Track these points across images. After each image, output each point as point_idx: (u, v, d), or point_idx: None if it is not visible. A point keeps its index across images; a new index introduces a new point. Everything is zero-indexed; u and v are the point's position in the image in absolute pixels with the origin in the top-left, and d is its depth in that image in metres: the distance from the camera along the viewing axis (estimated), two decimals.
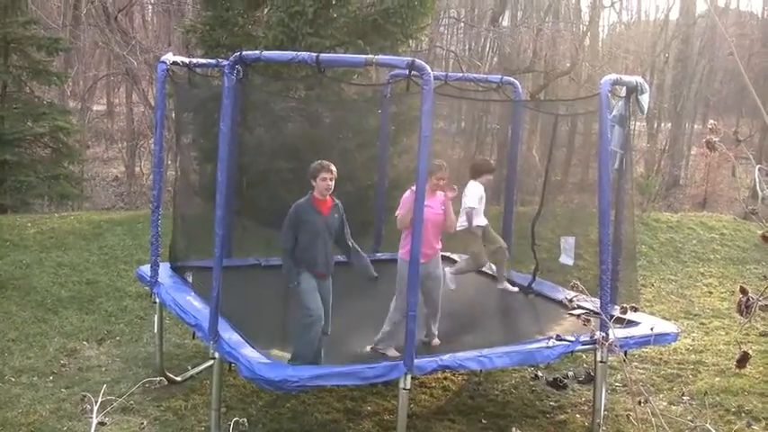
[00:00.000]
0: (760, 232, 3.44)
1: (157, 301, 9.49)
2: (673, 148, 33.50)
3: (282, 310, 8.33)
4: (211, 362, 8.03)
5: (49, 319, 11.49)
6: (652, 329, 8.66)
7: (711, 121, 4.10)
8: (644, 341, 8.73)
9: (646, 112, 9.06)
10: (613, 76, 8.44)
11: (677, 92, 33.30)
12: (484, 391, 9.87)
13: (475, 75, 13.29)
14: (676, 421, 8.24)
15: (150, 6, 32.46)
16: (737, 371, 10.01)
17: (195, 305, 8.70)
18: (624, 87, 8.79)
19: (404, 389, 7.21)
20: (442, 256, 9.42)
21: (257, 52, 7.69)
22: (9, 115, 19.51)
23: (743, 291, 3.78)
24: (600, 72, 24.74)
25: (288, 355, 7.71)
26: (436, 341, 8.74)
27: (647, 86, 8.85)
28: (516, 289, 10.53)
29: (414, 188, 8.38)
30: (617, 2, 33.99)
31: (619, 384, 10.13)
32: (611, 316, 7.17)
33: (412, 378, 7.33)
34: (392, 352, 8.20)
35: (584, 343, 8.24)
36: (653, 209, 22.89)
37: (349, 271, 11.45)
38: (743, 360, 3.79)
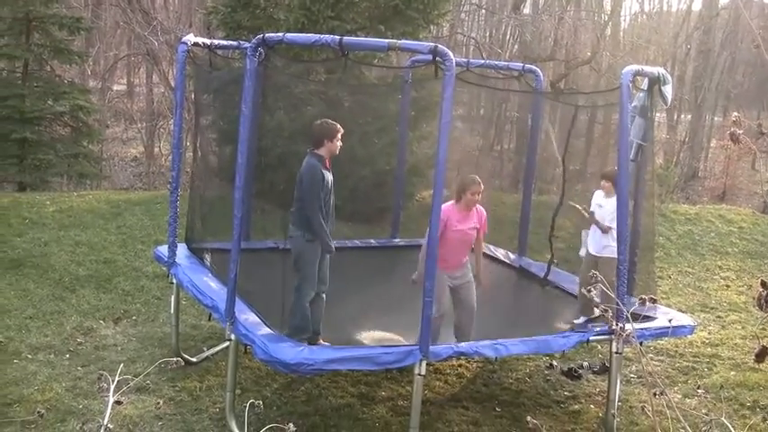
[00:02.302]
0: None
1: (174, 281, 9.50)
2: (692, 140, 33.34)
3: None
4: (227, 343, 8.05)
5: (67, 298, 11.54)
6: (670, 322, 8.63)
7: (735, 114, 4.07)
8: (660, 333, 8.72)
9: (669, 103, 9.00)
10: (635, 67, 8.36)
11: (698, 83, 33.09)
12: (498, 379, 9.86)
13: (497, 62, 13.24)
14: (691, 414, 8.22)
15: None
16: (754, 365, 9.97)
17: (212, 286, 8.72)
18: (646, 78, 8.73)
19: (419, 375, 7.20)
20: None
21: (280, 35, 7.66)
22: (30, 93, 19.58)
23: (763, 285, 3.76)
24: (621, 62, 24.62)
25: None
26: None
27: (669, 77, 8.77)
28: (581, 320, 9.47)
29: (451, 202, 8.46)
30: None
31: (633, 376, 10.10)
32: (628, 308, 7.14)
33: (427, 364, 7.33)
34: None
35: (599, 333, 8.24)
36: (671, 200, 22.80)
37: (368, 255, 11.48)
38: (762, 354, 3.78)
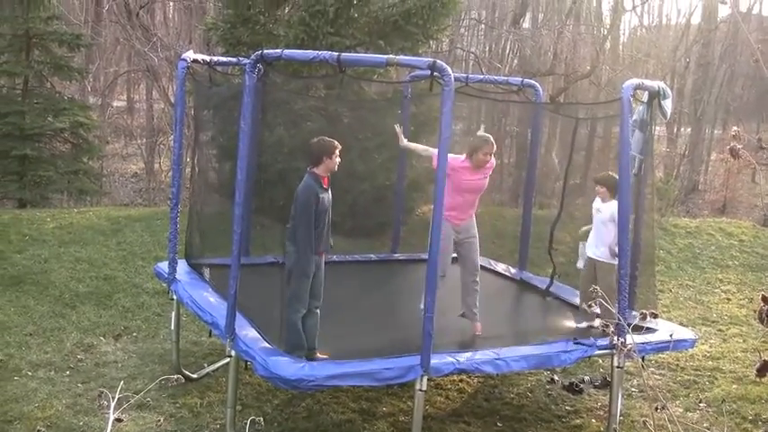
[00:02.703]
0: None
1: (174, 297, 9.49)
2: (692, 153, 33.29)
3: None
4: (227, 360, 8.03)
5: (67, 314, 11.53)
6: (671, 336, 8.62)
7: (735, 128, 4.07)
8: (662, 347, 8.70)
9: (669, 117, 9.01)
10: (636, 81, 8.38)
11: (698, 97, 33.08)
12: (499, 393, 9.84)
13: (496, 77, 13.27)
14: (693, 428, 8.20)
15: (172, 3, 32.57)
16: (756, 379, 9.95)
17: (212, 302, 8.71)
18: (646, 92, 8.74)
19: (420, 390, 7.19)
20: None
21: (278, 51, 7.66)
22: (30, 110, 19.57)
23: (765, 300, 3.75)
24: (620, 76, 24.65)
25: None
26: (478, 326, 8.89)
27: (669, 91, 8.79)
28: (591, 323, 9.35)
29: (464, 156, 8.76)
30: (638, 5, 33.78)
31: (635, 390, 10.08)
32: (629, 322, 7.13)
33: (428, 380, 7.31)
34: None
35: (601, 348, 8.21)
36: (672, 214, 22.80)
37: (368, 270, 11.48)
38: (763, 369, 3.77)
